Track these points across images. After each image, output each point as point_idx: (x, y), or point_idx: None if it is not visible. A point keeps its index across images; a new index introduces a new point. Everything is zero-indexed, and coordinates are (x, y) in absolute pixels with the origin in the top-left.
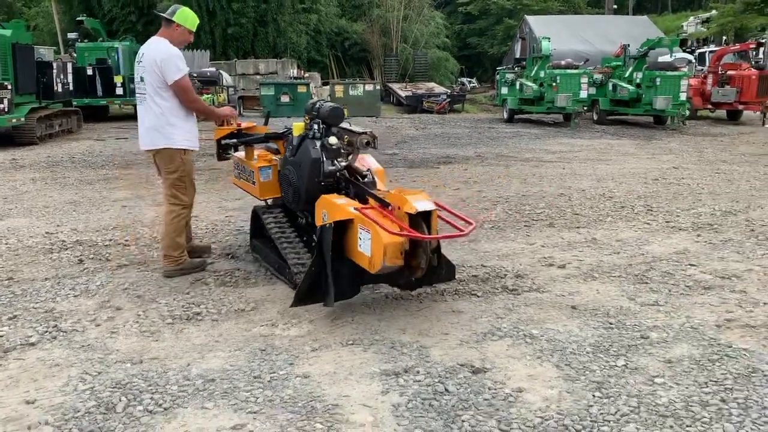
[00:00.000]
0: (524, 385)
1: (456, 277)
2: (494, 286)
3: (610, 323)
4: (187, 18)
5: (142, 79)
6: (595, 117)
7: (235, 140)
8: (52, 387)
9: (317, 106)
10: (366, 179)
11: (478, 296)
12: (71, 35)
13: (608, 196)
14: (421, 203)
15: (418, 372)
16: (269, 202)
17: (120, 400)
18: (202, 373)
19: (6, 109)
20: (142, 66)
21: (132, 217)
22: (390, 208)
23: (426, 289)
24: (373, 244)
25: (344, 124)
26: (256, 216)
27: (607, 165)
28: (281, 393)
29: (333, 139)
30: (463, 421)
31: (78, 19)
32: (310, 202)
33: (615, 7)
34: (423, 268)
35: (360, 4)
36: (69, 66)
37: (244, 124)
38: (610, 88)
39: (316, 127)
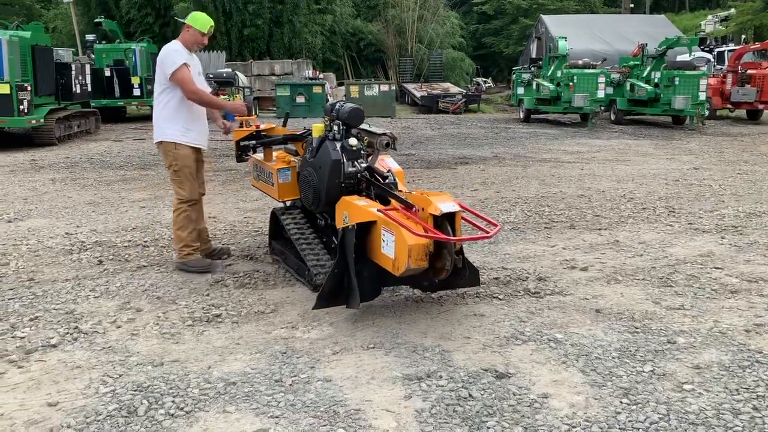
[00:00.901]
0: (550, 391)
1: (479, 282)
2: (516, 289)
3: (636, 327)
4: (197, 20)
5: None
6: (613, 117)
7: (254, 141)
8: (74, 389)
9: (337, 107)
10: (387, 180)
11: (500, 299)
12: (89, 37)
13: (629, 197)
14: (446, 204)
15: (440, 377)
16: (288, 203)
17: (141, 403)
18: (223, 376)
19: (26, 110)
20: (157, 67)
21: (151, 218)
22: (414, 209)
23: (446, 291)
24: (397, 245)
25: (364, 126)
26: (275, 218)
27: (627, 166)
28: (303, 397)
29: (353, 141)
30: (488, 427)
31: (96, 20)
32: (331, 204)
33: (632, 5)
34: (448, 270)
35: (375, 5)
36: (87, 67)
37: (262, 126)
38: (628, 87)
39: (336, 128)
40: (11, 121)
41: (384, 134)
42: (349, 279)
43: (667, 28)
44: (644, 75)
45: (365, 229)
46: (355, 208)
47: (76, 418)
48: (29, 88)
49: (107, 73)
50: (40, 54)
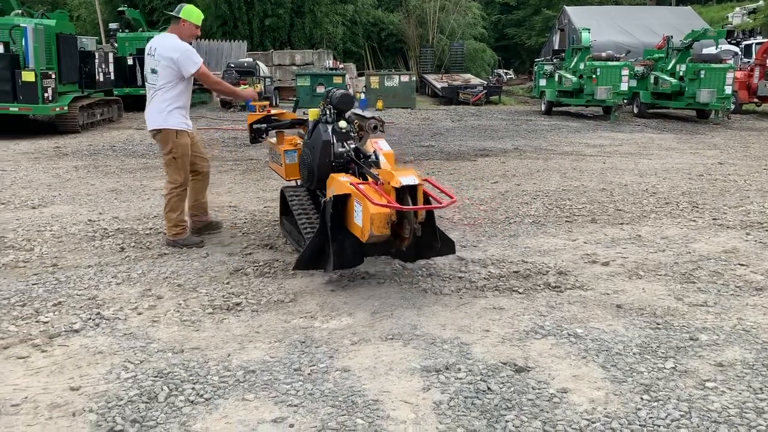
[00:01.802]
0: (569, 386)
1: (456, 251)
2: (536, 283)
3: (657, 323)
4: (191, 14)
5: (153, 71)
6: (636, 110)
7: (265, 125)
8: (96, 374)
9: (330, 93)
10: (369, 159)
11: (520, 293)
12: (113, 25)
13: (651, 191)
14: (406, 178)
15: (459, 369)
16: (298, 183)
17: (162, 390)
18: (243, 364)
19: (50, 98)
20: (154, 59)
21: None
22: (380, 183)
23: (465, 284)
24: (363, 215)
25: (356, 111)
26: (283, 196)
27: (649, 160)
28: (321, 386)
29: (343, 123)
30: (506, 421)
31: (119, 9)
32: (322, 181)
33: None
34: (409, 238)
35: None
36: (110, 56)
37: (274, 111)
38: (652, 80)
39: (327, 112)
40: (36, 109)
41: (372, 118)
42: (328, 246)
43: (694, 20)
44: (669, 68)
45: (344, 202)
46: (337, 183)
47: (98, 402)
48: (53, 76)
49: (130, 61)
50: (64, 42)
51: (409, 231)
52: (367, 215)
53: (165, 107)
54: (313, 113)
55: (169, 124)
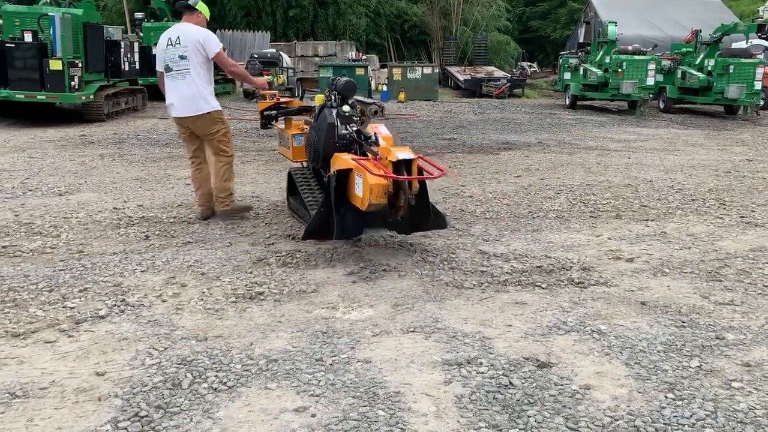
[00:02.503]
0: (592, 383)
1: (449, 225)
2: (559, 278)
3: (683, 322)
4: (205, 9)
5: (182, 57)
6: (662, 105)
7: (275, 111)
8: (121, 360)
9: (335, 80)
10: (370, 140)
11: (543, 288)
12: (138, 15)
13: (677, 188)
14: (402, 153)
15: (481, 363)
16: (303, 164)
17: (186, 377)
18: (265, 353)
19: (76, 87)
20: (182, 47)
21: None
22: (379, 158)
23: (487, 278)
24: (363, 186)
25: (359, 97)
26: (290, 176)
27: (675, 155)
28: (343, 377)
29: (346, 108)
30: (529, 416)
31: None
32: (327, 160)
33: None
34: (404, 207)
35: None
36: (135, 45)
37: (283, 99)
38: (679, 75)
39: (333, 97)
40: (62, 97)
41: (373, 103)
42: (332, 217)
43: (723, 14)
44: (697, 62)
45: (346, 176)
46: (340, 160)
47: (123, 388)
48: (80, 65)
49: (154, 51)
50: (91, 31)
51: (404, 200)
52: (367, 185)
53: (204, 90)
54: (319, 99)
55: (214, 106)
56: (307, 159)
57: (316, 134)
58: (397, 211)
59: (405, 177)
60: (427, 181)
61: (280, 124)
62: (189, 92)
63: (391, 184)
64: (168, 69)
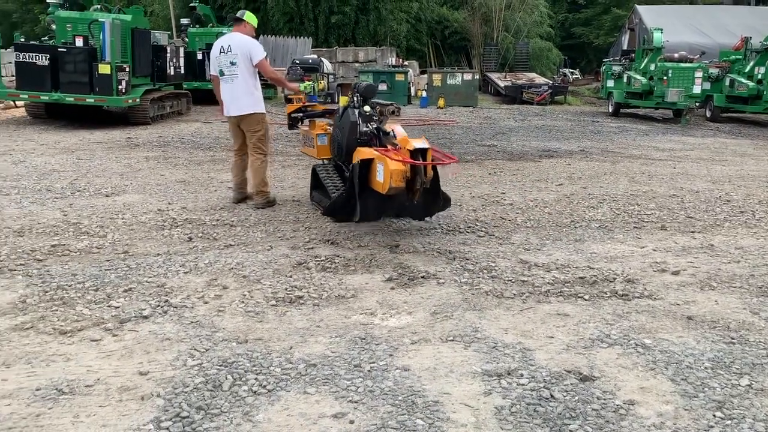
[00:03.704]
0: (636, 398)
1: (451, 205)
2: (602, 290)
3: (732, 338)
4: (252, 18)
5: (232, 63)
6: (708, 114)
7: (301, 114)
8: (163, 360)
9: (357, 84)
10: (389, 135)
11: (586, 299)
12: (184, 21)
13: (725, 199)
14: (418, 143)
15: (521, 375)
16: (326, 162)
17: (226, 379)
18: (304, 358)
19: (123, 90)
20: (232, 54)
21: None
22: (398, 147)
23: (528, 288)
24: (384, 171)
25: (377, 99)
26: (314, 172)
27: (723, 166)
28: (381, 384)
29: (367, 108)
30: (570, 430)
31: (191, 5)
32: (349, 154)
33: None
34: (419, 190)
35: None
36: (181, 50)
37: (309, 103)
38: (727, 83)
39: (355, 99)
40: (110, 100)
41: (391, 104)
42: (354, 200)
43: None
44: (746, 70)
45: (368, 167)
46: (362, 153)
47: (165, 388)
48: (128, 69)
49: (199, 56)
50: (138, 37)
51: (420, 184)
52: (387, 171)
53: (252, 93)
54: (343, 100)
55: (259, 108)
56: (331, 155)
57: (339, 132)
58: (413, 194)
59: (420, 162)
60: (453, 178)
61: (304, 126)
62: (238, 94)
63: (408, 170)
64: (222, 73)
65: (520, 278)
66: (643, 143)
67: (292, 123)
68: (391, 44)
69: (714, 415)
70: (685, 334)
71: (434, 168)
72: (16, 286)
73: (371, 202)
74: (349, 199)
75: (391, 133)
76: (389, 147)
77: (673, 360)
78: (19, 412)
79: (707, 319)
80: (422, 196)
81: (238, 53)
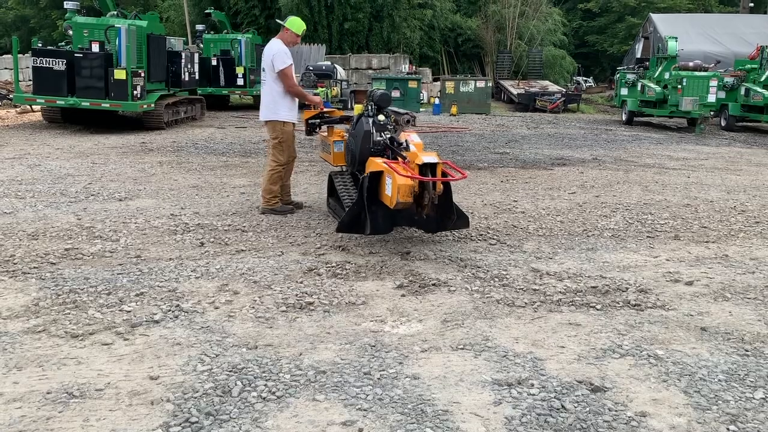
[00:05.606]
0: (648, 410)
1: (470, 226)
2: (615, 300)
3: (746, 350)
4: (293, 24)
5: (263, 70)
6: (723, 123)
7: (318, 120)
8: (174, 365)
9: (371, 92)
10: (402, 146)
11: (597, 309)
12: (199, 27)
13: (740, 209)
14: (427, 158)
15: (532, 385)
16: (343, 168)
17: (236, 384)
18: (314, 364)
19: (138, 96)
20: (264, 61)
21: (249, 203)
22: (407, 161)
23: (540, 297)
24: (392, 186)
25: (393, 108)
26: (330, 179)
27: (738, 175)
28: (390, 392)
29: (381, 117)
30: None
31: (206, 11)
32: (363, 163)
33: (751, 5)
34: (428, 206)
35: (476, 0)
36: (196, 56)
37: (326, 109)
38: (743, 92)
39: (369, 108)
40: (125, 105)
41: (406, 113)
42: (364, 214)
43: None
44: (762, 79)
45: (378, 178)
46: (374, 164)
47: (175, 393)
48: (143, 75)
49: (214, 62)
50: (154, 42)
51: (429, 200)
52: (395, 185)
53: (275, 100)
54: (357, 109)
55: (276, 117)
56: (346, 163)
57: (353, 140)
58: (422, 209)
59: (428, 178)
60: (452, 185)
61: (323, 132)
62: (264, 100)
63: (416, 185)
64: (253, 82)
65: (531, 287)
66: (657, 152)
67: (310, 129)
68: (405, 51)
69: (727, 429)
70: (699, 345)
71: (445, 183)
72: (30, 289)
73: (381, 214)
74: (359, 212)
75: (405, 143)
76: (400, 159)
77: (686, 372)
78: (29, 415)
79: (721, 331)
80: (433, 210)
81: (267, 60)
